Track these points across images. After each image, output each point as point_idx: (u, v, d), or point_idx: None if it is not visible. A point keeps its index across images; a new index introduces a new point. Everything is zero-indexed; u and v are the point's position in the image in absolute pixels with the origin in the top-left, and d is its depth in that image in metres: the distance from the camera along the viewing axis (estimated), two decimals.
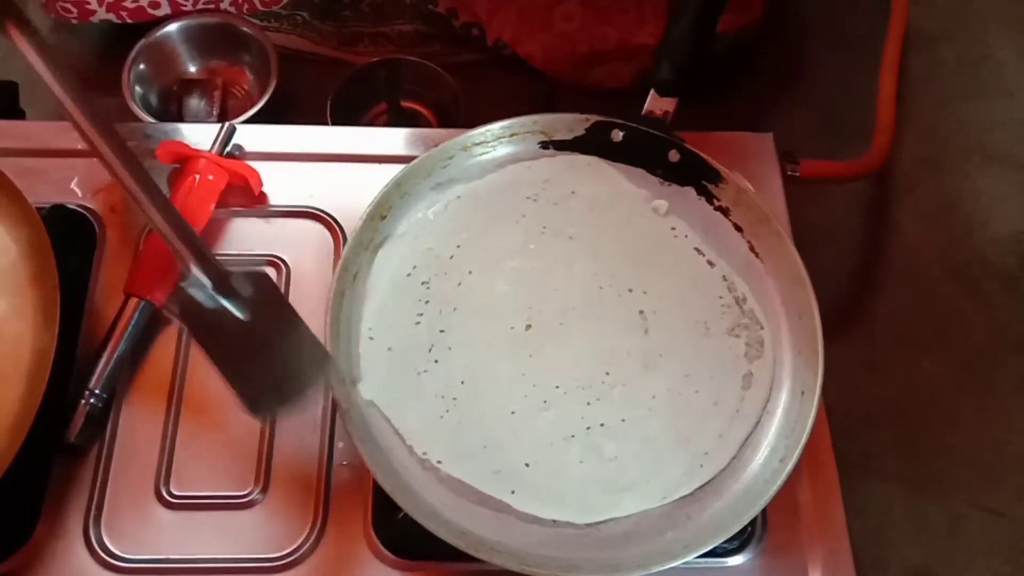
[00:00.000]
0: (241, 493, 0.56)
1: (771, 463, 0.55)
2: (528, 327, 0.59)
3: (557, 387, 0.57)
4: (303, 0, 1.09)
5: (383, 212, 0.61)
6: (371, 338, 0.58)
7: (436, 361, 0.58)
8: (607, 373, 0.58)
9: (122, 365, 0.58)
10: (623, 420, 0.56)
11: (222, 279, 0.52)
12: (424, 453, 0.54)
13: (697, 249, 0.62)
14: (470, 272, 0.61)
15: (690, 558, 0.50)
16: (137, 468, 0.56)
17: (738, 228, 0.63)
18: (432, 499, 0.53)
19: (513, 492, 0.54)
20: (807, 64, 1.17)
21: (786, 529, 0.56)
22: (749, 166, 0.64)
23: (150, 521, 0.55)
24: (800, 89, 1.14)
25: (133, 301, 0.59)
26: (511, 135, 0.65)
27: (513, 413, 0.56)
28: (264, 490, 0.56)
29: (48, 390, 0.52)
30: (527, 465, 0.55)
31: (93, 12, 1.04)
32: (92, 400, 0.56)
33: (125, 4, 1.04)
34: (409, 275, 0.60)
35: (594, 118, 0.64)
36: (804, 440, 0.54)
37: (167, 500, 0.55)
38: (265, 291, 0.54)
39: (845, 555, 0.56)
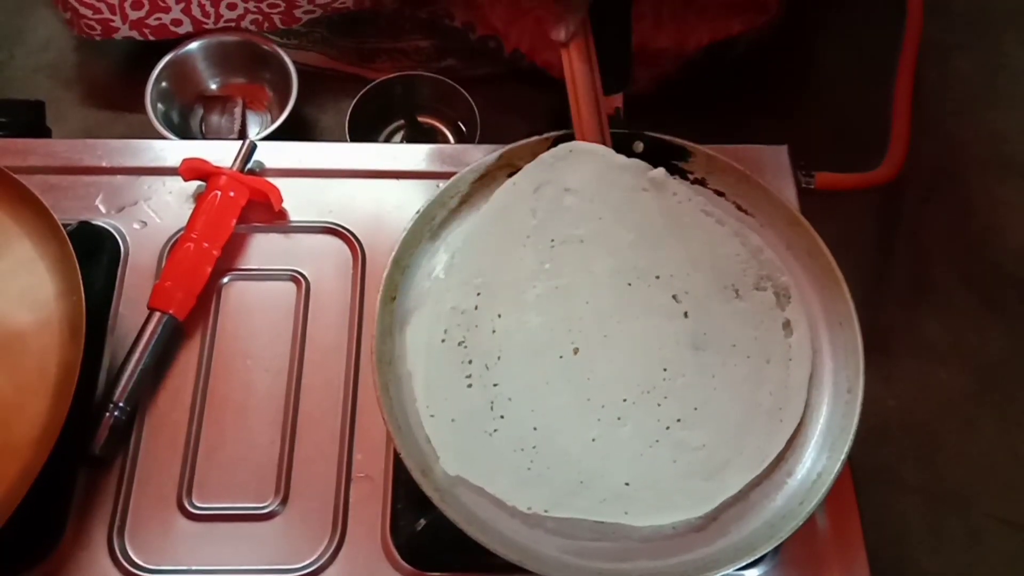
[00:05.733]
0: (261, 505, 0.57)
1: (841, 395, 0.56)
2: (576, 350, 0.58)
3: (624, 400, 0.56)
4: (321, 17, 1.11)
5: (392, 294, 0.58)
6: (432, 415, 0.55)
7: (502, 416, 0.55)
8: (664, 369, 0.57)
9: (145, 378, 0.59)
10: (695, 408, 0.56)
11: None
12: (529, 508, 0.52)
13: (704, 211, 0.62)
14: (499, 316, 0.58)
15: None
16: (160, 480, 0.57)
17: (720, 193, 0.63)
18: (554, 552, 0.52)
19: (627, 513, 0.53)
20: (822, 74, 1.17)
21: (802, 542, 0.56)
22: (764, 178, 0.64)
23: (172, 532, 0.56)
24: (815, 99, 1.14)
25: (156, 315, 0.60)
26: (479, 178, 0.62)
27: (594, 440, 0.55)
28: (284, 502, 0.57)
29: (74, 403, 0.53)
30: (627, 484, 0.54)
31: (116, 29, 1.06)
32: (116, 413, 0.57)
33: (148, 22, 1.05)
34: (443, 340, 0.57)
35: (554, 134, 0.64)
36: (861, 365, 0.55)
37: (189, 512, 0.56)
38: None
39: (862, 568, 0.55)
